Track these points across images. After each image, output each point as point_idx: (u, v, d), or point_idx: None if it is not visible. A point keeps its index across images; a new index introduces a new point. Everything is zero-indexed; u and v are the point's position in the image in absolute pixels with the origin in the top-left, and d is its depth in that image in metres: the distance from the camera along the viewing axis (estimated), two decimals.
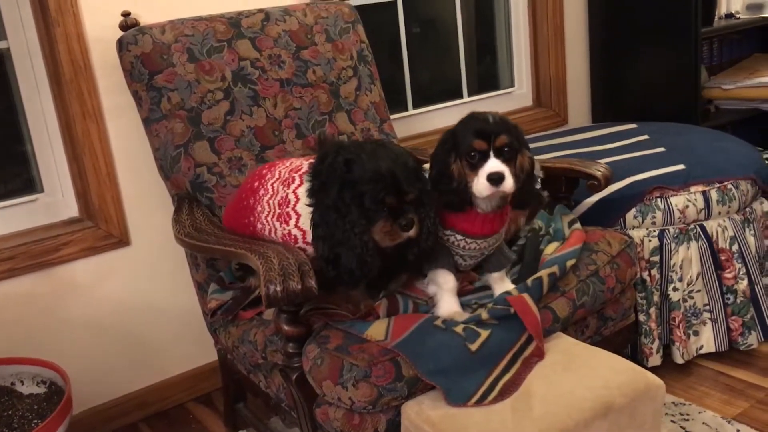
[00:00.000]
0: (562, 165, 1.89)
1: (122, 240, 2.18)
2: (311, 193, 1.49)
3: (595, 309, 1.71)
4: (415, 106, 2.84)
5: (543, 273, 1.62)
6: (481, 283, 1.68)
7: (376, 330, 1.44)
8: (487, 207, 1.52)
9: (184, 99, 1.91)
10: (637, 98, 3.15)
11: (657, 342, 2.18)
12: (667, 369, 2.21)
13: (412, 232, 1.44)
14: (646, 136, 2.60)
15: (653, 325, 2.17)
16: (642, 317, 2.17)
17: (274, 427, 1.94)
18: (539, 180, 1.90)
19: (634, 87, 3.15)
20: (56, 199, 2.14)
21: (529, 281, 1.60)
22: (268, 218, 1.57)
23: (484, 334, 1.47)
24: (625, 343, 1.88)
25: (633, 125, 2.78)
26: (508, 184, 1.44)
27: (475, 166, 1.45)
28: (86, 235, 2.11)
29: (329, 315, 1.53)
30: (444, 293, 1.57)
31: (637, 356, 2.21)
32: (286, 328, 1.47)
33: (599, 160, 2.25)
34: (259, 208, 1.59)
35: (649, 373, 1.45)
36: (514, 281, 1.67)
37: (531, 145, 2.58)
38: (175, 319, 2.30)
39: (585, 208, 2.18)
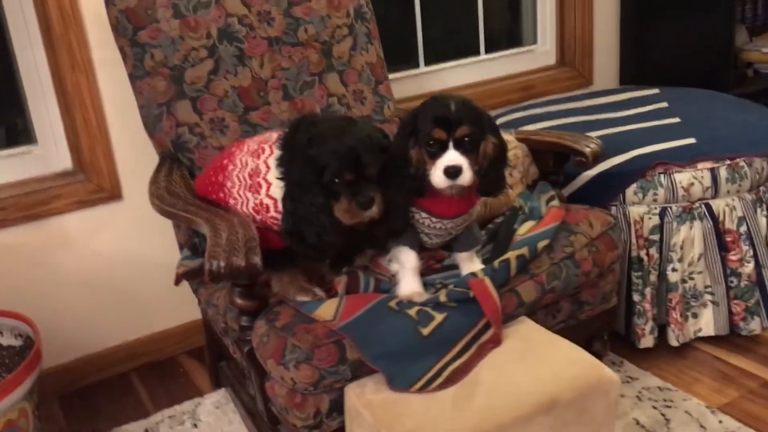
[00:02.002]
0: (551, 139, 1.80)
1: (114, 194, 2.19)
2: (280, 162, 1.46)
3: (567, 293, 1.64)
4: (426, 63, 2.75)
5: (511, 255, 1.56)
6: (450, 261, 1.63)
7: (326, 310, 1.41)
8: (450, 191, 1.46)
9: (167, 56, 1.88)
10: (668, 60, 2.99)
11: (651, 323, 2.10)
12: (661, 351, 2.14)
13: (373, 212, 1.39)
14: (665, 104, 2.46)
15: (647, 305, 2.09)
16: (636, 297, 2.09)
17: (249, 391, 1.95)
18: (526, 156, 1.83)
19: (666, 47, 2.98)
20: (49, 151, 2.15)
21: (496, 263, 1.55)
22: (240, 191, 1.54)
23: (439, 317, 1.43)
24: (606, 327, 1.81)
25: (656, 90, 2.64)
26: (466, 177, 1.38)
27: (434, 155, 1.39)
28: (77, 188, 2.13)
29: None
30: (406, 272, 1.52)
31: (630, 336, 2.14)
32: (239, 301, 1.46)
33: (609, 129, 2.16)
34: (228, 184, 1.56)
35: (604, 368, 1.39)
36: (485, 261, 1.61)
37: (544, 109, 2.51)
38: (166, 274, 2.27)
39: (583, 181, 2.09)
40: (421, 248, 1.56)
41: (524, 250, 1.57)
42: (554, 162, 1.83)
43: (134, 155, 2.18)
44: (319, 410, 1.40)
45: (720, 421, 1.85)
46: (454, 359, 1.40)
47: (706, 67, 2.89)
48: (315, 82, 2.04)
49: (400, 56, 2.65)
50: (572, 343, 1.45)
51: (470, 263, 1.58)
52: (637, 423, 1.87)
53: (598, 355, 1.84)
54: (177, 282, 1.74)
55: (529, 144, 1.82)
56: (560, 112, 2.49)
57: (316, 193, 1.38)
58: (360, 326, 1.39)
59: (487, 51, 2.88)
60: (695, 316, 2.14)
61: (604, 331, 1.82)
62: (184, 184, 1.78)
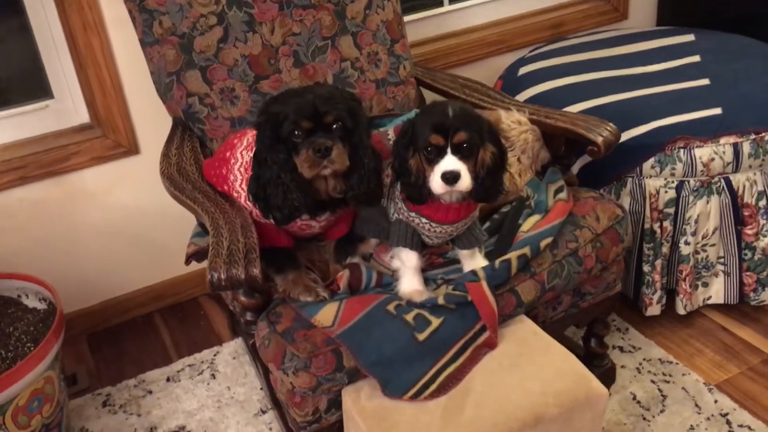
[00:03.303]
0: (563, 125, 1.74)
1: (131, 150, 2.21)
2: (255, 140, 1.48)
3: (567, 290, 1.66)
4: (452, 1, 2.64)
5: (512, 255, 1.56)
6: (452, 254, 1.64)
7: (325, 315, 1.45)
8: (449, 198, 1.45)
9: (175, 24, 1.84)
10: None
11: (659, 293, 2.12)
12: (668, 318, 2.17)
13: (332, 161, 1.39)
14: (697, 58, 2.35)
15: (657, 276, 2.09)
16: (646, 268, 2.10)
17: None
18: (537, 140, 1.79)
19: None
20: (66, 106, 2.16)
21: (497, 263, 1.56)
22: (242, 185, 1.56)
23: (435, 322, 1.47)
24: (608, 311, 1.83)
25: (691, 37, 2.51)
26: (464, 183, 1.37)
27: (432, 161, 1.38)
28: (95, 144, 2.16)
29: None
30: (406, 270, 1.55)
31: (638, 303, 2.17)
32: (242, 299, 1.51)
33: (634, 92, 2.13)
34: (231, 177, 1.59)
35: (593, 380, 1.43)
36: (487, 254, 1.63)
37: (570, 58, 2.42)
38: (187, 222, 2.37)
39: None
40: (423, 245, 1.57)
41: (526, 250, 1.58)
42: (566, 147, 1.79)
43: (150, 111, 2.18)
44: (317, 408, 1.48)
45: (716, 401, 1.90)
46: (448, 364, 1.45)
47: (750, 2, 2.72)
48: (327, 47, 1.99)
49: None
50: (566, 350, 1.49)
51: (472, 260, 1.59)
52: (634, 398, 1.93)
53: (600, 337, 1.89)
54: (187, 262, 1.78)
55: (541, 127, 1.78)
56: (587, 64, 2.40)
57: (278, 149, 1.41)
58: (356, 333, 1.43)
59: None
60: (705, 285, 2.15)
61: (607, 315, 1.84)
62: (195, 159, 1.80)
